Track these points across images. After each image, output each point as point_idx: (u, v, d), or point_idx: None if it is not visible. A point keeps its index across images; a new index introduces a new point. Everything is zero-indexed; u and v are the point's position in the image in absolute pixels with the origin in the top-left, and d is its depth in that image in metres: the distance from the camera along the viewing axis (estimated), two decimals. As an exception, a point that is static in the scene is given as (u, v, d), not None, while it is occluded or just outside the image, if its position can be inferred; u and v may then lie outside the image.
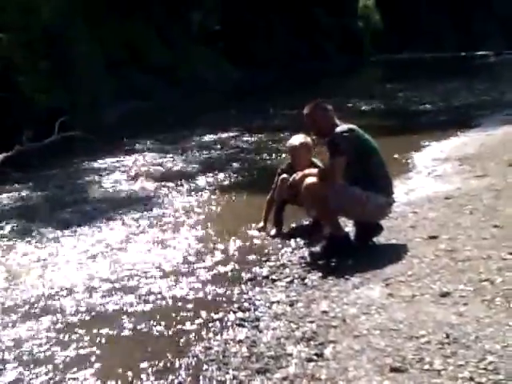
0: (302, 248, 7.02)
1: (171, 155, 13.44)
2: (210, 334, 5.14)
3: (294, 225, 7.81)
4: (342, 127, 6.63)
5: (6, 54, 16.07)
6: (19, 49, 16.56)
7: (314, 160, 7.62)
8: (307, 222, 7.77)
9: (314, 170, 6.87)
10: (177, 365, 4.70)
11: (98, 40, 21.00)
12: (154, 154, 13.63)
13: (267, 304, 5.62)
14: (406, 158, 11.34)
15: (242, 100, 22.33)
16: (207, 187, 10.40)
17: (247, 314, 5.45)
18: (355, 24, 41.81)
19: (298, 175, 6.85)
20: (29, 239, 8.07)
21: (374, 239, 6.78)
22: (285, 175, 7.43)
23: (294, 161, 7.66)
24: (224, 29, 29.41)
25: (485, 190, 8.23)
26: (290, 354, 4.63)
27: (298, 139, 7.71)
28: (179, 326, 5.32)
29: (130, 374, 4.61)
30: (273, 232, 7.57)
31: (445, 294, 5.18)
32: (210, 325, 5.31)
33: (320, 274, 6.15)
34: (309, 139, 7.66)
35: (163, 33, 25.98)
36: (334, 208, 6.50)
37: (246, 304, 5.67)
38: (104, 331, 5.34)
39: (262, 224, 7.74)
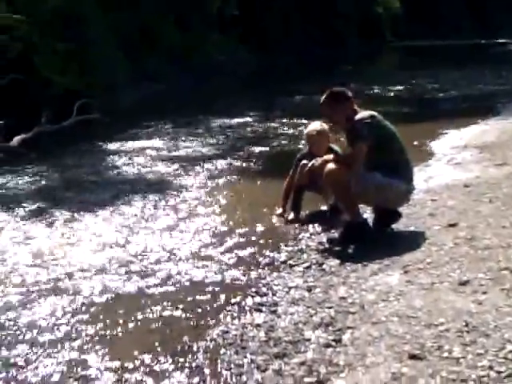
0: (319, 234, 7.01)
1: (188, 139, 13.46)
2: (228, 318, 5.14)
3: (311, 211, 7.79)
4: (362, 114, 6.60)
5: (25, 35, 16.10)
6: (37, 30, 16.59)
7: (333, 146, 7.60)
8: (325, 208, 7.75)
9: (335, 156, 6.84)
10: (195, 348, 4.70)
11: (114, 23, 21.00)
12: (171, 138, 13.65)
13: (285, 289, 5.62)
14: (425, 146, 11.30)
15: (257, 85, 22.29)
16: (224, 171, 10.40)
17: (265, 299, 5.45)
18: (374, 10, 41.62)
19: (318, 161, 6.82)
20: (46, 220, 8.09)
21: (393, 226, 6.76)
22: (304, 161, 7.40)
23: (311, 148, 7.65)
24: (241, 14, 29.24)
25: (505, 178, 8.19)
26: (308, 340, 4.63)
27: (315, 127, 7.69)
28: (197, 309, 5.33)
29: (147, 356, 4.62)
30: (291, 217, 7.56)
31: (464, 283, 5.15)
32: (228, 308, 5.31)
33: (338, 260, 6.14)
34: (326, 126, 7.63)
35: (180, 17, 25.89)
36: (354, 194, 6.48)
37: (263, 289, 5.67)
38: (122, 313, 5.36)
39: (280, 210, 7.73)
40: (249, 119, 15.70)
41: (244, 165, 10.98)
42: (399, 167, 6.61)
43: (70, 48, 17.33)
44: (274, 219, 7.60)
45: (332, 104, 6.74)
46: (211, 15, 27.47)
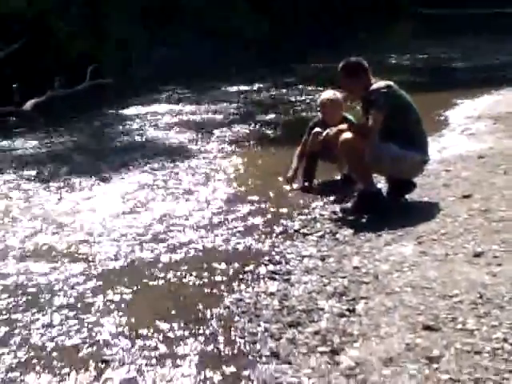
0: (333, 203, 7.00)
1: (201, 105, 13.45)
2: (242, 286, 5.15)
3: (324, 180, 7.77)
4: (379, 83, 6.57)
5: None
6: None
7: (346, 115, 7.56)
8: (338, 178, 7.73)
9: (350, 126, 6.79)
10: (208, 315, 4.71)
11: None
12: (184, 104, 13.65)
13: (298, 258, 5.62)
14: (439, 116, 11.24)
15: (273, 53, 22.14)
16: (238, 138, 10.41)
17: (278, 267, 5.45)
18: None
19: (332, 130, 6.78)
20: (59, 185, 8.13)
21: (407, 196, 6.74)
22: (318, 129, 7.37)
23: (325, 117, 7.61)
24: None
25: (519, 150, 8.14)
26: (322, 309, 4.63)
27: (328, 95, 7.66)
28: (210, 277, 5.34)
29: (161, 323, 4.63)
30: (303, 186, 7.54)
31: (478, 254, 5.14)
32: (241, 276, 5.32)
33: (351, 230, 6.14)
34: (339, 95, 7.60)
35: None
36: (369, 164, 6.46)
37: (277, 257, 5.67)
38: (135, 280, 5.37)
39: (290, 173, 7.66)
40: (262, 86, 15.64)
41: (258, 132, 10.97)
42: (415, 138, 6.59)
43: (85, 12, 17.25)
44: (287, 187, 7.58)
45: (348, 74, 6.70)
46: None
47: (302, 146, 7.71)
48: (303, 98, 13.91)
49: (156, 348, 4.34)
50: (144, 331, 4.53)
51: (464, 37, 23.69)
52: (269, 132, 10.93)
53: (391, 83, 6.63)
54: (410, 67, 18.61)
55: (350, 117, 7.54)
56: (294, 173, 7.69)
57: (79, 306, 4.97)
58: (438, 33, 25.38)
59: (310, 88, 14.84)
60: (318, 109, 8.00)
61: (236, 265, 5.54)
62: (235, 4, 26.47)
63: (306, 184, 7.56)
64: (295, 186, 7.56)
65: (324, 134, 6.88)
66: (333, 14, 30.94)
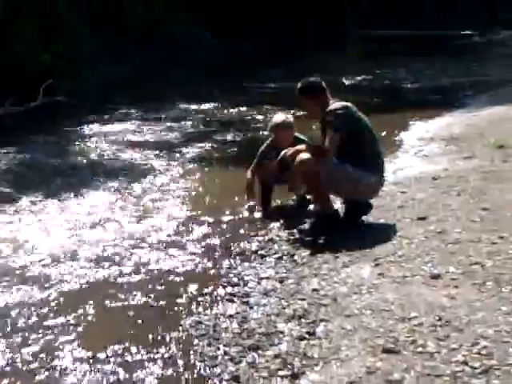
0: (290, 224, 6.98)
1: (154, 124, 13.37)
2: (200, 308, 5.12)
3: (281, 201, 7.76)
4: (336, 104, 6.60)
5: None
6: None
7: (298, 135, 7.56)
8: (294, 199, 7.71)
9: (307, 146, 6.79)
10: (167, 338, 4.67)
11: (81, 4, 20.78)
12: (137, 122, 13.57)
13: (257, 279, 5.61)
14: (392, 137, 11.30)
15: (222, 71, 22.19)
16: (194, 158, 10.39)
17: (237, 289, 5.43)
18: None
19: (290, 151, 6.77)
20: (10, 205, 8.01)
21: (363, 218, 6.77)
22: (267, 160, 7.36)
23: (276, 140, 7.51)
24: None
25: (472, 171, 8.22)
26: (282, 332, 4.62)
27: (279, 118, 7.57)
28: (169, 299, 5.30)
29: (119, 346, 4.58)
30: (260, 215, 7.44)
31: (436, 276, 5.17)
32: (200, 299, 5.29)
33: (309, 251, 6.14)
34: (290, 117, 7.62)
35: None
36: (325, 185, 6.47)
37: (235, 279, 5.66)
38: (92, 302, 5.31)
39: (248, 205, 7.54)
40: (214, 104, 15.63)
41: (212, 152, 10.95)
42: (371, 159, 6.62)
43: (37, 28, 17.13)
44: (244, 208, 7.56)
45: (307, 95, 6.74)
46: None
47: (253, 173, 7.61)
48: (258, 117, 13.90)
49: (114, 372, 4.29)
50: (102, 355, 4.48)
51: (414, 59, 23.97)
52: (225, 151, 10.91)
53: (348, 104, 6.66)
54: (362, 88, 18.74)
55: (302, 137, 7.55)
56: (251, 200, 7.57)
57: (35, 329, 4.90)
58: (388, 55, 25.65)
59: (263, 106, 14.86)
60: (269, 133, 7.88)
61: (194, 287, 5.51)
62: (190, 23, 26.51)
63: (264, 211, 7.48)
64: (256, 214, 7.47)
65: (282, 154, 6.85)
66: (285, 34, 31.15)
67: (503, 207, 6.62)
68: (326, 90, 6.74)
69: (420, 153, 9.89)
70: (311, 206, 7.11)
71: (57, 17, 18.22)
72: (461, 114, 13.52)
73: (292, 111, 11.91)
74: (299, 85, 6.84)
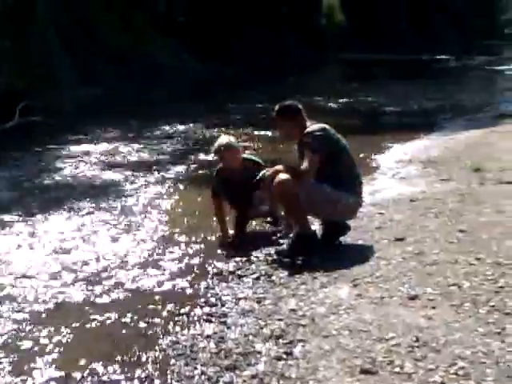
0: (268, 245, 6.96)
1: (132, 145, 13.39)
2: (177, 328, 5.09)
3: (257, 223, 7.74)
4: (313, 126, 6.62)
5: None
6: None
7: (245, 156, 7.58)
8: (271, 220, 7.67)
9: (285, 167, 6.77)
10: (144, 358, 4.64)
11: (56, 24, 20.78)
12: (115, 143, 13.57)
13: (234, 300, 5.59)
14: (370, 159, 11.38)
15: (202, 93, 22.26)
16: (171, 178, 10.36)
17: (214, 310, 5.41)
18: (319, 21, 41.91)
19: (268, 171, 6.75)
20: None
21: (341, 239, 6.78)
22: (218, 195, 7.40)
23: (224, 163, 7.37)
24: (188, 21, 29.26)
25: (450, 193, 8.27)
26: (259, 352, 4.60)
27: (223, 140, 7.38)
28: (146, 319, 5.27)
29: (95, 365, 4.55)
30: (236, 241, 7.40)
31: (413, 297, 5.18)
32: (177, 319, 5.26)
33: (287, 272, 6.12)
34: (233, 139, 7.48)
35: (125, 19, 25.74)
36: (305, 206, 6.48)
37: (212, 299, 5.63)
38: (68, 322, 5.26)
39: (221, 234, 7.39)
40: (191, 125, 15.67)
41: (191, 172, 10.95)
42: (349, 180, 6.65)
43: (11, 48, 17.10)
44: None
45: (284, 117, 6.77)
46: (158, 20, 27.39)
47: (218, 203, 7.46)
48: (237, 138, 13.90)
49: (90, 391, 4.25)
50: (77, 374, 4.45)
51: (393, 82, 24.17)
52: (203, 171, 10.90)
53: (326, 126, 6.68)
54: (340, 110, 18.86)
55: (251, 157, 7.58)
56: (225, 231, 7.39)
57: (11, 347, 4.86)
58: (366, 78, 25.85)
59: (240, 128, 14.89)
60: (214, 156, 7.75)
61: (171, 306, 5.48)
62: (169, 45, 26.59)
63: (239, 237, 7.44)
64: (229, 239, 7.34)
65: (260, 174, 6.82)
66: (265, 56, 31.30)
67: (480, 229, 6.66)
68: (302, 111, 6.77)
69: (398, 175, 9.94)
70: (288, 227, 7.08)
71: (32, 38, 18.16)
72: (438, 137, 13.64)
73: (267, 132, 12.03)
74: (276, 107, 6.87)
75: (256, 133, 14.39)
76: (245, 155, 7.56)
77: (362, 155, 11.17)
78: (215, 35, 30.20)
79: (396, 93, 21.91)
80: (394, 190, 8.94)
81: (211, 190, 7.53)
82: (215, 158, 7.69)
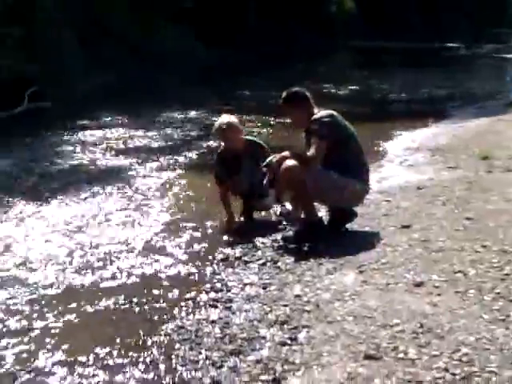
0: (274, 231, 6.97)
1: (140, 130, 13.39)
2: (183, 313, 5.11)
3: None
4: (321, 113, 6.61)
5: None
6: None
7: (251, 138, 7.61)
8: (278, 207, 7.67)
9: (292, 154, 6.75)
10: (149, 343, 4.66)
11: (68, 10, 20.76)
12: (123, 129, 13.58)
13: (240, 285, 5.60)
14: (378, 146, 11.37)
15: (209, 79, 22.24)
16: (180, 165, 10.37)
17: (220, 295, 5.43)
18: (329, 8, 41.78)
19: (275, 157, 6.74)
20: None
21: (348, 225, 6.77)
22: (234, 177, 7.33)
23: (226, 143, 7.34)
24: (196, 7, 29.18)
25: (457, 181, 8.25)
26: (264, 337, 4.61)
27: (225, 119, 7.32)
28: (151, 304, 5.29)
29: (101, 350, 4.57)
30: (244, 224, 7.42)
31: (419, 284, 5.17)
32: (183, 304, 5.28)
33: (293, 258, 6.13)
34: (234, 118, 7.40)
35: (134, 6, 25.69)
36: (311, 192, 6.48)
37: (218, 284, 5.65)
38: (75, 306, 5.30)
39: (227, 218, 7.39)
40: (201, 112, 15.64)
41: (199, 158, 10.96)
42: (356, 167, 6.64)
43: (21, 33, 17.10)
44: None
45: (292, 104, 6.76)
46: (167, 6, 27.33)
47: (223, 189, 7.45)
48: (242, 124, 13.86)
49: (95, 375, 4.29)
50: (83, 358, 4.48)
51: (403, 70, 24.09)
52: (209, 158, 10.88)
53: (334, 112, 6.67)
54: (350, 97, 18.83)
55: (254, 139, 7.60)
56: (230, 214, 7.40)
57: (16, 332, 4.89)
58: (376, 65, 25.76)
59: (249, 114, 14.87)
60: (215, 137, 7.61)
61: (177, 292, 5.50)
62: (176, 30, 26.54)
63: (248, 222, 7.44)
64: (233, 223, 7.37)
65: (267, 160, 6.80)
66: (275, 43, 31.23)
67: (486, 217, 6.65)
68: (309, 98, 6.76)
69: (406, 162, 9.93)
70: (293, 214, 7.07)
71: (42, 24, 18.16)
72: (447, 125, 13.61)
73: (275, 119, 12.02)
74: (283, 94, 6.85)
75: (264, 119, 14.37)
76: (248, 137, 7.54)
77: (370, 142, 11.14)
78: (224, 21, 30.11)
79: (405, 80, 21.84)
80: (401, 177, 8.94)
81: (214, 176, 7.51)
82: (217, 138, 7.52)
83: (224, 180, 7.38)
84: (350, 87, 20.65)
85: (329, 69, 27.16)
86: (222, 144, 7.52)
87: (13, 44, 17.05)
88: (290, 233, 6.84)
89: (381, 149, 11.22)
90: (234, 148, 7.19)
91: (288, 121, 7.30)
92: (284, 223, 7.21)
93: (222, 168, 7.39)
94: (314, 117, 6.59)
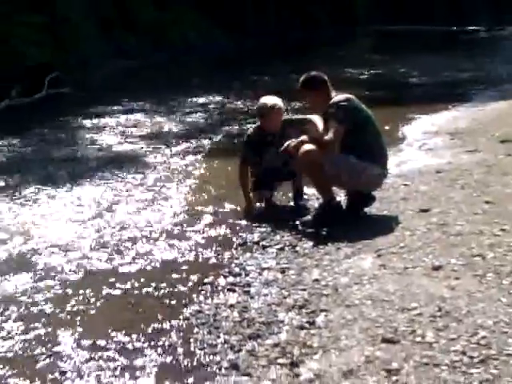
0: (292, 216, 6.98)
1: (160, 116, 13.40)
2: (201, 298, 5.14)
3: (282, 192, 7.74)
4: (338, 97, 6.60)
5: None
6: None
7: (289, 117, 7.59)
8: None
9: (310, 138, 6.73)
10: (167, 327, 4.70)
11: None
12: (143, 115, 13.59)
13: (258, 270, 5.63)
14: (397, 130, 11.31)
15: (229, 66, 22.19)
16: (196, 150, 10.37)
17: (238, 279, 5.45)
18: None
19: (293, 142, 6.73)
20: (15, 195, 8.05)
21: (366, 209, 6.77)
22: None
23: (268, 124, 7.20)
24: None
25: (476, 165, 8.22)
26: (282, 321, 4.64)
27: (271, 100, 7.24)
28: (170, 289, 5.33)
29: (119, 334, 4.61)
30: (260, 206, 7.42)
31: (437, 268, 5.17)
32: (201, 288, 5.32)
33: (311, 243, 6.14)
34: (280, 101, 7.30)
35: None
36: (329, 176, 6.48)
37: (236, 269, 5.67)
38: (94, 291, 5.34)
39: (246, 202, 7.33)
40: (222, 99, 15.61)
41: (217, 144, 10.96)
42: (374, 151, 6.63)
43: (44, 20, 17.15)
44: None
45: (310, 88, 6.75)
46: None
47: (244, 171, 7.38)
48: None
49: (114, 359, 4.32)
50: (102, 342, 4.52)
51: (423, 53, 23.92)
52: (230, 143, 10.90)
53: (351, 96, 6.67)
54: (369, 82, 18.73)
55: (288, 117, 7.57)
56: (249, 201, 7.33)
57: (36, 317, 4.94)
58: (396, 49, 25.59)
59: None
60: (258, 115, 7.40)
61: (195, 276, 5.53)
62: (197, 19, 26.51)
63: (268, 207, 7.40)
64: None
65: (285, 144, 6.79)
66: (295, 28, 31.13)
67: (505, 200, 6.62)
68: (327, 82, 6.75)
69: (424, 146, 9.90)
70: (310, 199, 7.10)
71: (64, 11, 18.22)
72: (467, 109, 13.52)
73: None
74: (302, 78, 6.84)
75: (284, 104, 14.32)
76: (289, 116, 7.56)
77: (388, 126, 11.08)
78: (245, 8, 30.03)
79: (426, 64, 21.64)
80: (420, 161, 8.91)
81: (241, 156, 7.42)
82: (259, 116, 7.34)
83: (247, 160, 7.37)
84: (369, 71, 20.53)
85: (349, 53, 26.98)
86: (258, 124, 7.40)
87: (35, 31, 17.09)
88: (309, 217, 6.85)
89: (400, 133, 11.17)
90: (274, 130, 7.13)
91: (306, 105, 7.24)
92: (302, 205, 7.20)
93: (248, 149, 7.36)
94: (332, 101, 6.59)
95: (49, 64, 16.01)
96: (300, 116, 7.57)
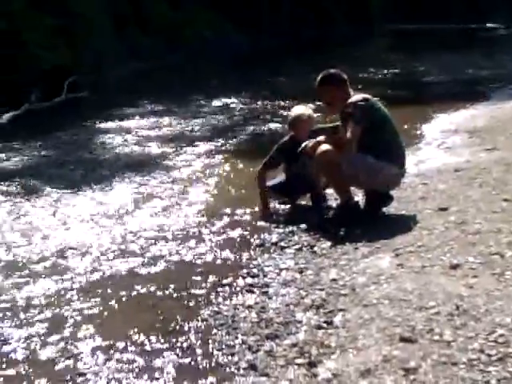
0: (310, 216, 6.99)
1: (177, 118, 13.41)
2: (219, 299, 5.16)
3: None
4: (356, 97, 6.60)
5: (12, 9, 16.00)
6: (25, 5, 16.49)
7: (322, 125, 7.57)
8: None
9: (327, 138, 6.74)
10: (186, 328, 4.72)
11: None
12: (160, 117, 13.61)
13: (276, 270, 5.64)
14: (415, 129, 11.30)
15: (244, 65, 22.22)
16: (214, 152, 10.39)
17: (256, 280, 5.47)
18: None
19: (310, 142, 6.74)
20: (35, 198, 8.13)
21: (384, 209, 6.76)
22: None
23: (299, 133, 7.29)
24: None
25: (495, 163, 8.18)
26: (300, 321, 4.65)
27: (303, 111, 7.46)
28: (188, 290, 5.34)
29: (139, 335, 4.63)
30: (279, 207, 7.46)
31: (455, 266, 5.15)
32: (219, 289, 5.33)
33: (329, 243, 6.15)
34: (310, 110, 7.55)
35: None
36: (346, 176, 6.48)
37: (254, 270, 5.69)
38: (113, 292, 5.37)
39: (263, 204, 7.35)
40: (236, 99, 15.63)
41: (235, 145, 10.98)
42: (391, 150, 6.61)
43: (59, 23, 17.23)
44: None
45: (328, 86, 6.74)
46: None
47: (263, 176, 7.45)
48: (279, 110, 13.88)
49: (133, 361, 4.34)
50: (121, 344, 4.53)
51: (440, 52, 23.84)
52: (248, 144, 10.94)
53: (369, 96, 6.66)
54: (386, 81, 18.69)
55: (323, 125, 7.58)
56: (266, 205, 7.35)
57: (56, 319, 4.97)
58: (413, 48, 25.52)
59: (286, 100, 14.82)
60: (291, 126, 7.48)
61: (214, 277, 5.54)
62: (211, 18, 26.53)
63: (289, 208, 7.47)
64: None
65: (303, 145, 6.81)
66: (310, 27, 31.09)
67: (524, 198, 6.59)
68: (346, 81, 6.74)
69: (443, 145, 9.88)
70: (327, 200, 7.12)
71: (80, 14, 18.30)
72: (485, 107, 13.47)
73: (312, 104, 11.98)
74: (319, 76, 6.84)
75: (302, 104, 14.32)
76: (319, 125, 7.59)
77: (407, 125, 11.09)
78: (259, 7, 30.04)
79: (443, 62, 21.59)
80: (438, 160, 8.89)
81: (266, 160, 7.47)
82: (291, 128, 7.45)
83: (269, 165, 7.44)
84: (386, 71, 20.48)
85: (365, 53, 26.95)
86: (291, 133, 7.46)
87: (51, 34, 17.18)
88: (326, 217, 6.85)
89: (418, 132, 11.16)
90: (301, 139, 7.08)
91: (323, 103, 7.21)
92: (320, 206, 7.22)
93: (281, 155, 7.42)
94: (350, 100, 6.58)
95: (63, 66, 16.06)
96: (331, 124, 7.57)
